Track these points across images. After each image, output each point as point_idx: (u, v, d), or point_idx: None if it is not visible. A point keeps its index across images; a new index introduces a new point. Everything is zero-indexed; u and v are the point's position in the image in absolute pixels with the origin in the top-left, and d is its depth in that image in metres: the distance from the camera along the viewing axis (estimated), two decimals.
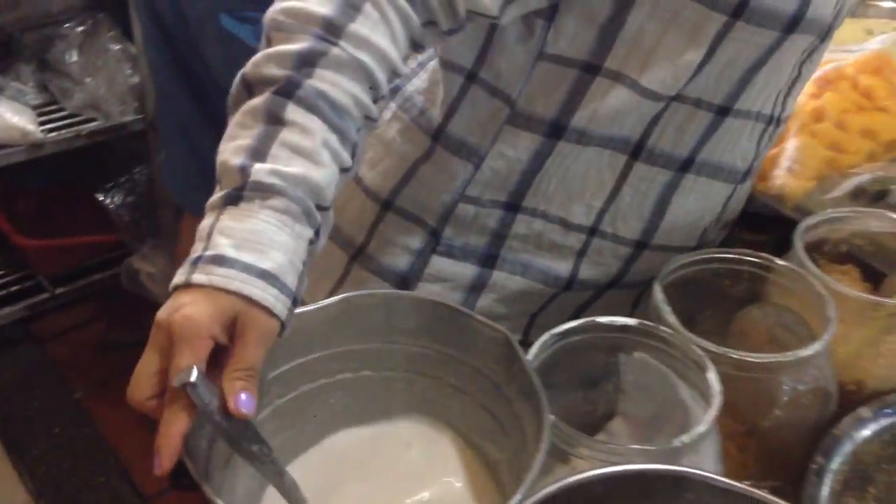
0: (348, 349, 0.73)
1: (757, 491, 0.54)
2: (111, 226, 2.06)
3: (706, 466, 0.61)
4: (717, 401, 0.62)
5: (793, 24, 0.74)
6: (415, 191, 0.87)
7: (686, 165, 0.83)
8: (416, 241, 0.88)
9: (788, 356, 0.67)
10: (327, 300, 0.71)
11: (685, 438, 0.59)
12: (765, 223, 0.98)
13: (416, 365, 0.74)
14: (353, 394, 0.75)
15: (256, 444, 0.57)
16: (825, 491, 0.68)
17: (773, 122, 0.87)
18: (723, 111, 0.80)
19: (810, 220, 0.84)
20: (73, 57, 1.88)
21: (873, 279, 0.89)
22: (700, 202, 0.87)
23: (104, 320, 2.13)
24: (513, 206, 0.85)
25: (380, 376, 0.75)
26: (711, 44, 0.74)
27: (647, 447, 0.59)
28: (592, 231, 0.86)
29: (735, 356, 0.67)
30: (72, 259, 2.09)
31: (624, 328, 0.70)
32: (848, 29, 1.52)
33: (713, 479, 0.55)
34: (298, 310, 0.62)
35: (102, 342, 2.06)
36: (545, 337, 0.68)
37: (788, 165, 1.00)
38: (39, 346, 2.09)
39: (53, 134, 1.85)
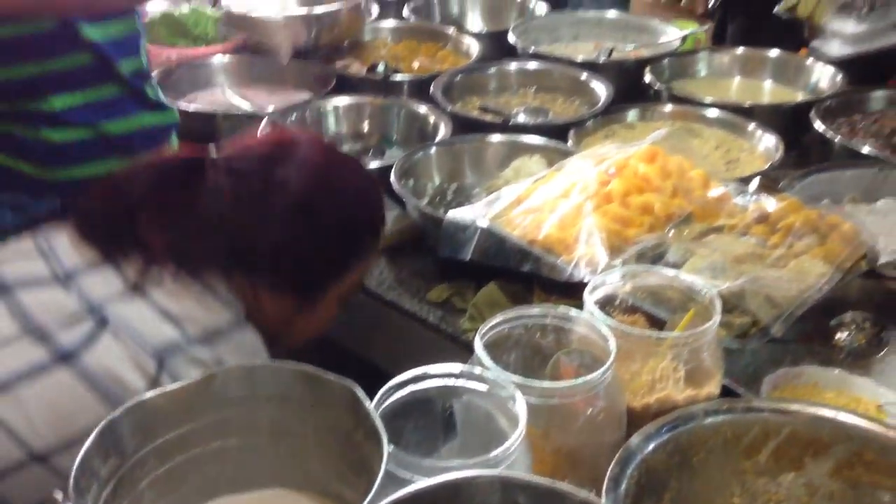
0: (216, 419, 0.84)
1: (565, 485, 0.68)
2: None
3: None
4: (522, 423, 0.77)
5: None
6: None
7: None
8: None
9: (579, 381, 0.84)
10: (193, 377, 0.82)
11: (497, 451, 0.73)
12: (571, 287, 1.17)
13: (279, 426, 0.85)
14: (224, 462, 0.86)
15: None
16: (622, 494, 0.83)
17: None
18: None
19: (598, 280, 1.03)
20: None
21: (658, 325, 1.09)
22: None
23: None
24: None
25: (247, 443, 0.86)
26: None
27: (466, 460, 0.73)
28: None
29: (538, 385, 0.83)
30: None
31: (454, 374, 0.85)
32: (640, 130, 1.81)
33: (532, 480, 0.69)
34: (166, 388, 0.72)
35: None
36: (384, 388, 0.82)
37: (585, 238, 1.21)
38: None
39: None
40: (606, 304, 1.05)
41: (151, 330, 0.97)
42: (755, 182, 1.31)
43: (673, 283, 1.05)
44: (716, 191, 1.31)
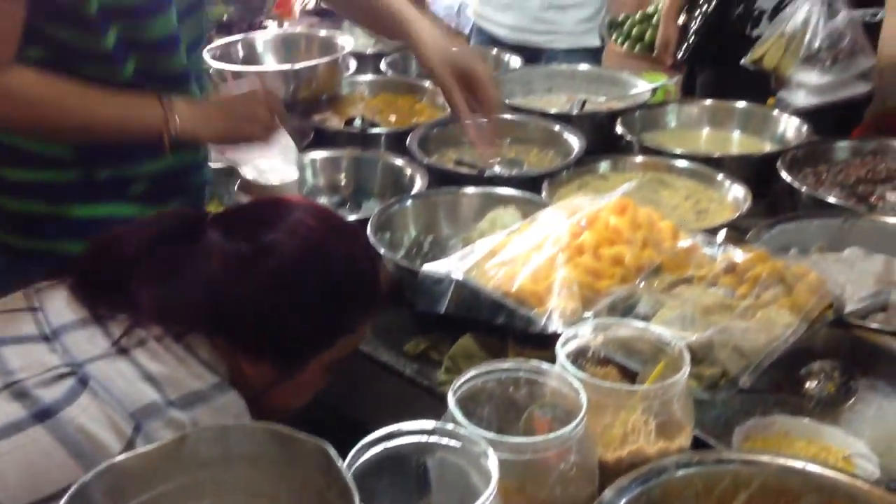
0: (189, 480, 0.84)
1: None
2: None
3: None
4: (494, 480, 0.78)
5: None
6: None
7: None
8: None
9: (551, 436, 0.85)
10: (166, 438, 0.82)
11: None
12: (545, 339, 1.18)
13: (251, 487, 0.85)
14: None
15: None
16: None
17: None
18: None
19: (569, 333, 1.05)
20: None
21: (631, 377, 1.10)
22: None
23: None
24: None
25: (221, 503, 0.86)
26: None
27: None
28: None
29: (510, 441, 0.84)
30: None
31: (427, 431, 0.86)
32: (612, 180, 1.84)
33: None
34: (139, 450, 0.72)
35: None
36: (357, 446, 0.82)
37: (558, 291, 1.23)
38: None
39: None
40: (579, 357, 1.07)
41: (131, 391, 0.96)
42: (722, 233, 1.34)
43: (643, 335, 1.07)
44: (685, 242, 1.34)
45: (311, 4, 7.55)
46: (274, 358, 1.07)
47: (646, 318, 1.16)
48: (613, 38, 4.96)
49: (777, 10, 2.42)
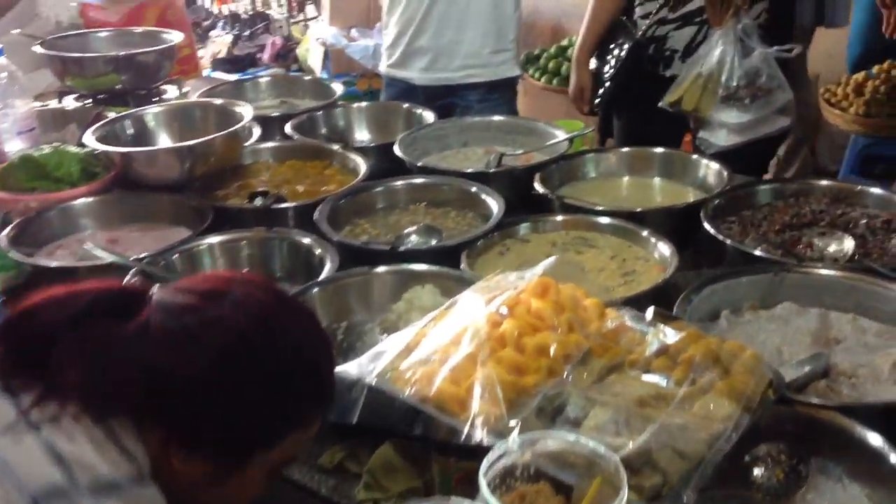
0: None
1: None
2: None
3: None
4: None
5: None
6: None
7: None
8: None
9: None
10: None
11: None
12: (471, 450, 1.07)
13: None
14: None
15: None
16: None
17: None
18: None
19: (493, 456, 0.94)
20: None
21: (566, 490, 0.99)
22: None
23: None
24: None
25: None
26: None
27: None
28: None
29: None
30: None
31: None
32: (535, 243, 1.76)
33: None
34: None
35: None
36: None
37: (480, 393, 1.11)
38: None
39: None
40: (507, 476, 0.96)
41: (34, 471, 0.85)
42: (650, 312, 1.25)
43: (575, 449, 0.96)
44: (612, 321, 1.25)
45: (223, 52, 7.36)
46: (211, 451, 0.94)
47: (576, 423, 1.06)
48: (530, 72, 4.95)
49: (688, 49, 2.39)
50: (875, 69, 2.62)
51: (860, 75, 2.61)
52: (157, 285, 1.00)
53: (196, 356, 0.92)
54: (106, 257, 1.57)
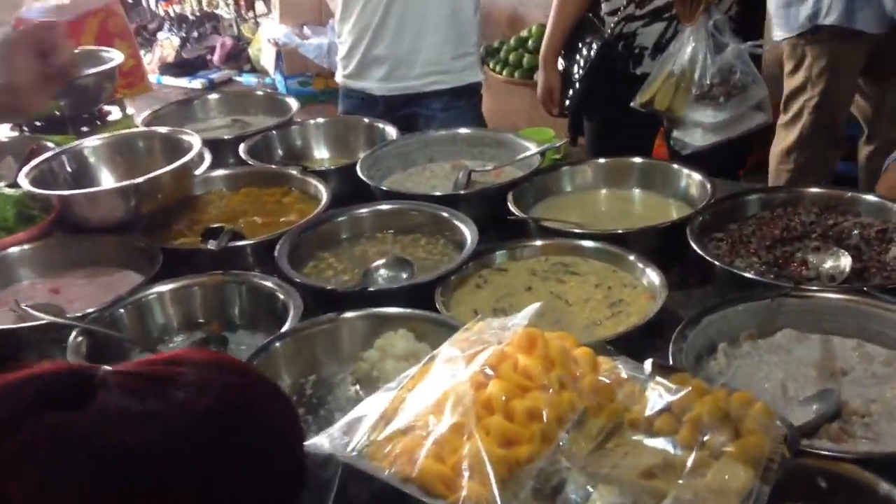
0: None
1: None
2: None
3: None
4: None
5: None
6: None
7: None
8: None
9: None
10: None
11: None
12: None
13: None
14: None
15: None
16: None
17: None
18: None
19: None
20: None
21: None
22: None
23: None
24: None
25: None
26: None
27: None
28: None
29: None
30: None
31: None
32: (514, 271, 1.64)
33: None
34: None
35: None
36: None
37: (469, 474, 1.00)
38: None
39: None
40: None
41: None
42: (648, 364, 1.14)
43: None
44: (606, 375, 1.14)
45: (171, 56, 7.10)
46: None
47: None
48: (491, 66, 4.82)
49: (658, 46, 2.29)
50: None
51: None
52: (104, 368, 0.86)
53: (159, 440, 0.79)
54: (45, 318, 1.43)
